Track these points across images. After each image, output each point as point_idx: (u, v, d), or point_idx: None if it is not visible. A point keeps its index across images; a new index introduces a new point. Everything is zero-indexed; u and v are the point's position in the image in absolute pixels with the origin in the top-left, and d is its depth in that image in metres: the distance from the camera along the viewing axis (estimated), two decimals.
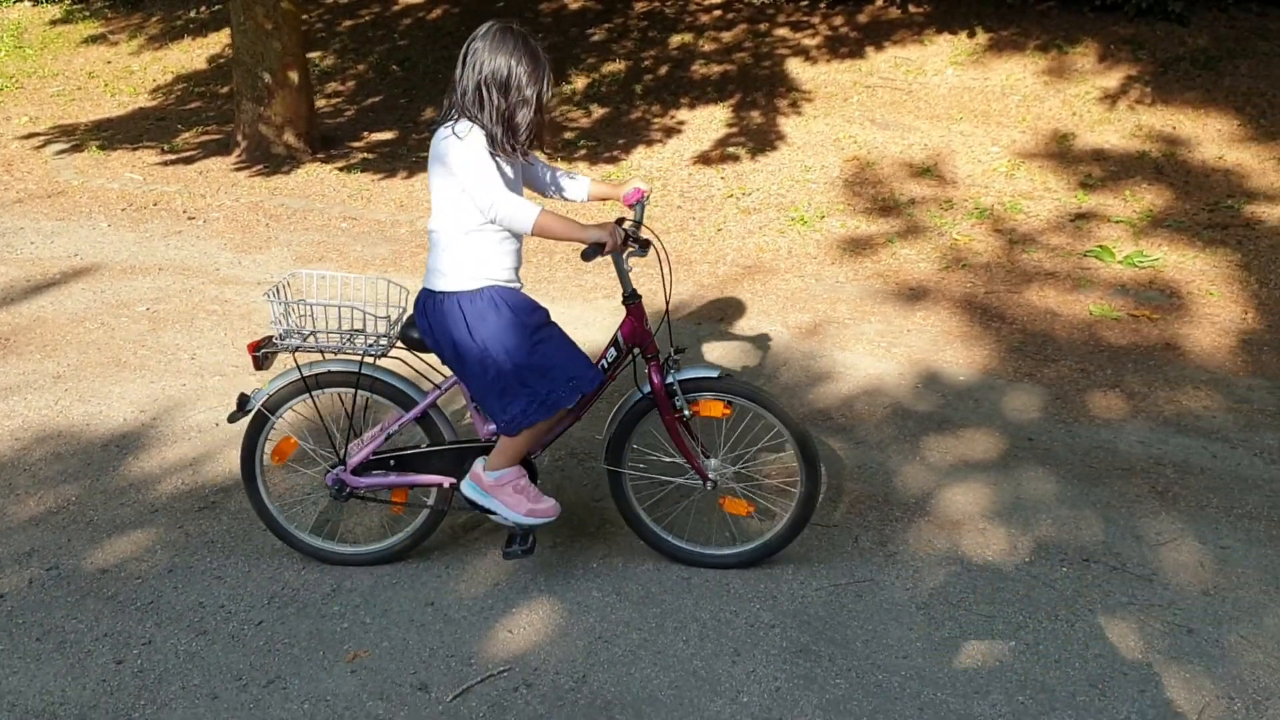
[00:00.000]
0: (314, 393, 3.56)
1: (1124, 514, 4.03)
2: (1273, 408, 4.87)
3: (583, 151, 9.35)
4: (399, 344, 3.49)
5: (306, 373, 3.51)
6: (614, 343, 3.52)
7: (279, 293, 3.46)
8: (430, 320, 3.31)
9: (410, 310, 3.49)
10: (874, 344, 5.59)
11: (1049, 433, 4.67)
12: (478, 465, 3.49)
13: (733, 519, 3.84)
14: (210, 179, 8.67)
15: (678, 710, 3.05)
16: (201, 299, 6.17)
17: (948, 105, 9.48)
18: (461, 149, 3.10)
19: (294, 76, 8.92)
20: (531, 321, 3.31)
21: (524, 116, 3.15)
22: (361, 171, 8.85)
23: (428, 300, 3.32)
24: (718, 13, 11.73)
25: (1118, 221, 7.17)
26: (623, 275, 3.45)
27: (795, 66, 10.51)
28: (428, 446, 3.59)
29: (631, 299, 3.47)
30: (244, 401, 3.55)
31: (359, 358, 3.48)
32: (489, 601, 3.53)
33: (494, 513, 3.46)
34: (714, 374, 3.52)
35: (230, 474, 4.28)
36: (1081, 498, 4.15)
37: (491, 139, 3.14)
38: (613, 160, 9.13)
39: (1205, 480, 4.28)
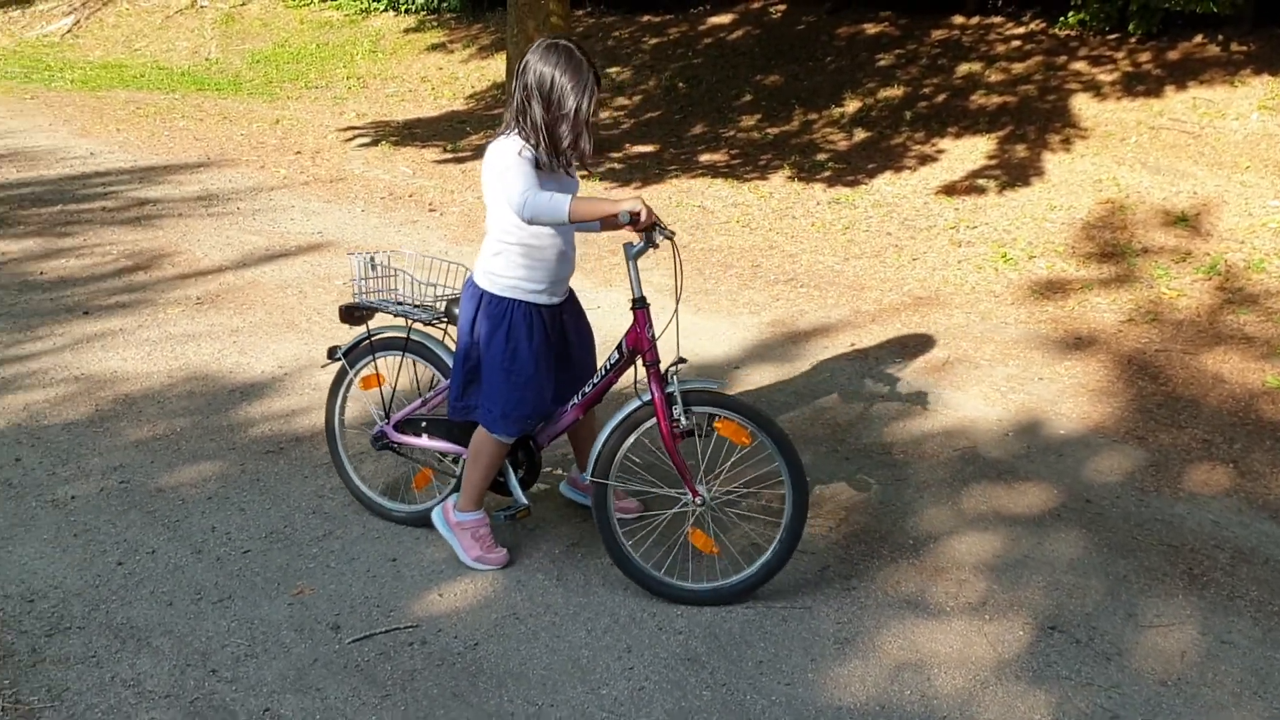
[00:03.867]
0: (377, 355, 3.96)
1: (1134, 590, 3.67)
2: None
3: (827, 173, 9.36)
4: (444, 318, 3.82)
5: (375, 337, 3.94)
6: (617, 347, 3.63)
7: (364, 261, 3.89)
8: (462, 302, 3.65)
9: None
10: (993, 387, 5.31)
11: (1114, 498, 4.29)
12: (450, 500, 3.81)
13: (695, 553, 3.70)
14: (469, 177, 9.46)
15: (537, 689, 3.17)
16: None
17: (1237, 152, 8.66)
18: (501, 156, 3.31)
19: None
20: (514, 345, 3.51)
21: (565, 128, 3.31)
22: (600, 180, 9.32)
23: (469, 285, 3.63)
24: (1016, 43, 11.29)
25: None
26: (635, 279, 3.53)
27: (1080, 102, 9.95)
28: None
29: (639, 304, 3.54)
30: (332, 352, 4.05)
31: (409, 324, 3.88)
32: (443, 567, 3.78)
33: (451, 546, 3.80)
34: (714, 386, 3.56)
35: (310, 427, 4.78)
36: (1100, 567, 3.81)
37: (535, 153, 3.32)
38: (853, 184, 9.08)
39: (1259, 571, 3.80)
